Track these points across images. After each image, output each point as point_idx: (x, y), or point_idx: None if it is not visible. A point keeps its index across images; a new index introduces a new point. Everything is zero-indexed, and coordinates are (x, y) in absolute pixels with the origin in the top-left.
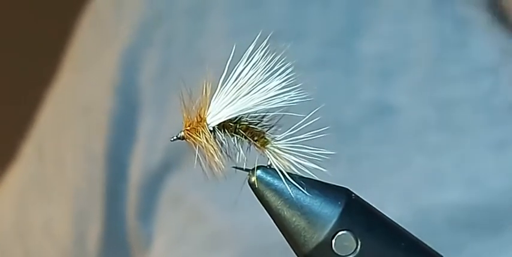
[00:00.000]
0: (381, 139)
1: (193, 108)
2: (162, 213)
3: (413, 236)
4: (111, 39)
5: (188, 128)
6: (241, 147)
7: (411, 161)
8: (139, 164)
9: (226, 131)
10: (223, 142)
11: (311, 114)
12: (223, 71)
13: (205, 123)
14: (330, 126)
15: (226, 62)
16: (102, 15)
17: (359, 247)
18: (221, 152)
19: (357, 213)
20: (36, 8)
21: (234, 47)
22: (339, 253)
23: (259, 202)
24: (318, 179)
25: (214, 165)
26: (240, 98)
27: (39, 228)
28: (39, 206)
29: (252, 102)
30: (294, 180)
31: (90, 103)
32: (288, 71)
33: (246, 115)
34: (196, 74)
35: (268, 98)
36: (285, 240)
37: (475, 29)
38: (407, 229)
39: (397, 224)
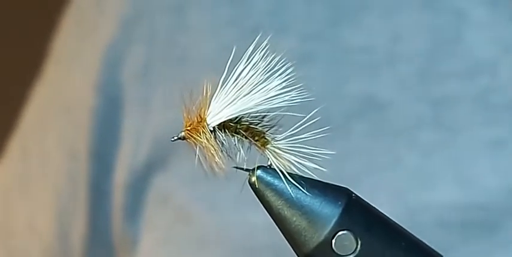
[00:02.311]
0: (371, 135)
1: (194, 108)
2: (148, 213)
3: (413, 236)
4: (93, 36)
5: (189, 128)
6: (242, 147)
7: (403, 158)
8: (125, 163)
9: (226, 131)
10: (224, 142)
11: (311, 114)
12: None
13: (205, 124)
14: (318, 121)
15: (209, 58)
16: (84, 12)
17: (359, 246)
18: (221, 152)
19: (357, 213)
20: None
21: (234, 50)
22: (339, 253)
23: (260, 202)
24: (318, 179)
25: (214, 165)
26: (240, 98)
27: (22, 227)
28: (23, 205)
29: (253, 102)
30: (294, 180)
31: (73, 101)
32: (288, 71)
33: (247, 115)
34: (179, 70)
35: (269, 98)
36: (272, 242)
37: (471, 22)
38: (407, 229)
39: (397, 224)
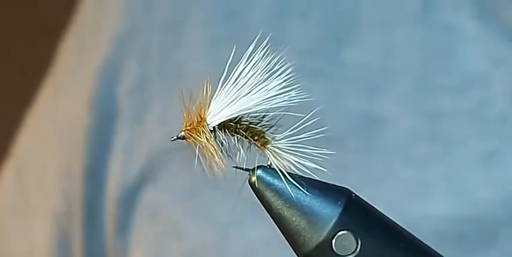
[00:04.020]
0: (367, 149)
1: (194, 108)
2: (139, 228)
3: (413, 236)
4: (89, 54)
5: (188, 128)
6: (242, 147)
7: (398, 172)
8: (116, 177)
9: (226, 131)
10: (224, 141)
11: (311, 114)
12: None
13: (205, 123)
14: (315, 135)
15: (205, 75)
16: (84, 32)
17: (359, 247)
18: (221, 152)
19: (357, 213)
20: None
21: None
22: (339, 253)
23: (259, 202)
24: (318, 179)
25: (214, 165)
26: (240, 98)
27: (21, 251)
28: (20, 228)
29: (252, 102)
30: (294, 180)
31: (68, 120)
32: (287, 71)
33: (246, 115)
34: (173, 86)
35: (269, 98)
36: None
37: (464, 37)
38: (407, 229)
39: (397, 224)
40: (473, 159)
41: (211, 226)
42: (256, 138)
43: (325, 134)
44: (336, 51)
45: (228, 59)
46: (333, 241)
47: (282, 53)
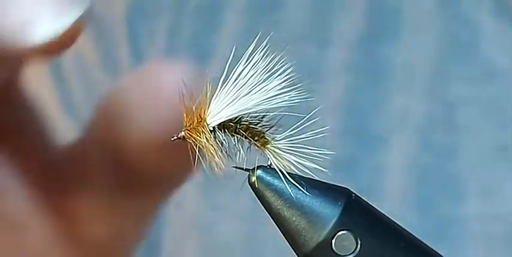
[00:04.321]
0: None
1: (193, 108)
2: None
3: (413, 236)
4: None
5: (188, 128)
6: (242, 147)
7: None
8: None
9: (226, 131)
10: (224, 141)
11: (311, 114)
12: (224, 71)
13: (205, 123)
14: (357, 132)
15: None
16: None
17: (359, 247)
18: (221, 152)
19: (357, 213)
20: None
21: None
22: (339, 253)
23: (259, 202)
24: (318, 179)
25: (214, 165)
26: (240, 98)
27: None
28: None
29: (252, 102)
30: (294, 180)
31: None
32: (288, 71)
33: (246, 115)
34: (198, 68)
35: (269, 98)
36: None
37: (484, 30)
38: (407, 229)
39: (398, 224)
40: (489, 151)
41: (237, 219)
42: (256, 138)
43: (366, 132)
44: (375, 48)
45: (265, 45)
46: (333, 241)
47: (282, 53)
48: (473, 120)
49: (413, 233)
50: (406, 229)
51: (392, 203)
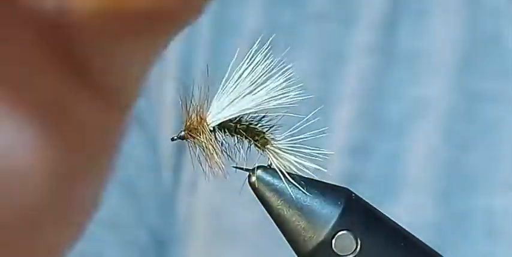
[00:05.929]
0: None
1: (194, 108)
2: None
3: (413, 236)
4: None
5: (189, 128)
6: (242, 147)
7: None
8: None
9: (226, 131)
10: (224, 141)
11: (311, 114)
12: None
13: (205, 123)
14: (375, 118)
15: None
16: None
17: (359, 247)
18: (221, 152)
19: (357, 213)
20: None
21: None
22: (339, 253)
23: (259, 202)
24: (318, 179)
25: (214, 165)
26: (240, 98)
27: None
28: None
29: (253, 103)
30: (294, 180)
31: None
32: (289, 71)
33: (247, 115)
34: (226, 41)
35: (269, 98)
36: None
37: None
38: (407, 229)
39: (397, 224)
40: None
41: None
42: (256, 138)
43: (383, 119)
44: (395, 33)
45: (285, 19)
46: (333, 240)
47: (283, 53)
48: (495, 113)
49: (427, 226)
50: (406, 229)
51: (407, 193)
